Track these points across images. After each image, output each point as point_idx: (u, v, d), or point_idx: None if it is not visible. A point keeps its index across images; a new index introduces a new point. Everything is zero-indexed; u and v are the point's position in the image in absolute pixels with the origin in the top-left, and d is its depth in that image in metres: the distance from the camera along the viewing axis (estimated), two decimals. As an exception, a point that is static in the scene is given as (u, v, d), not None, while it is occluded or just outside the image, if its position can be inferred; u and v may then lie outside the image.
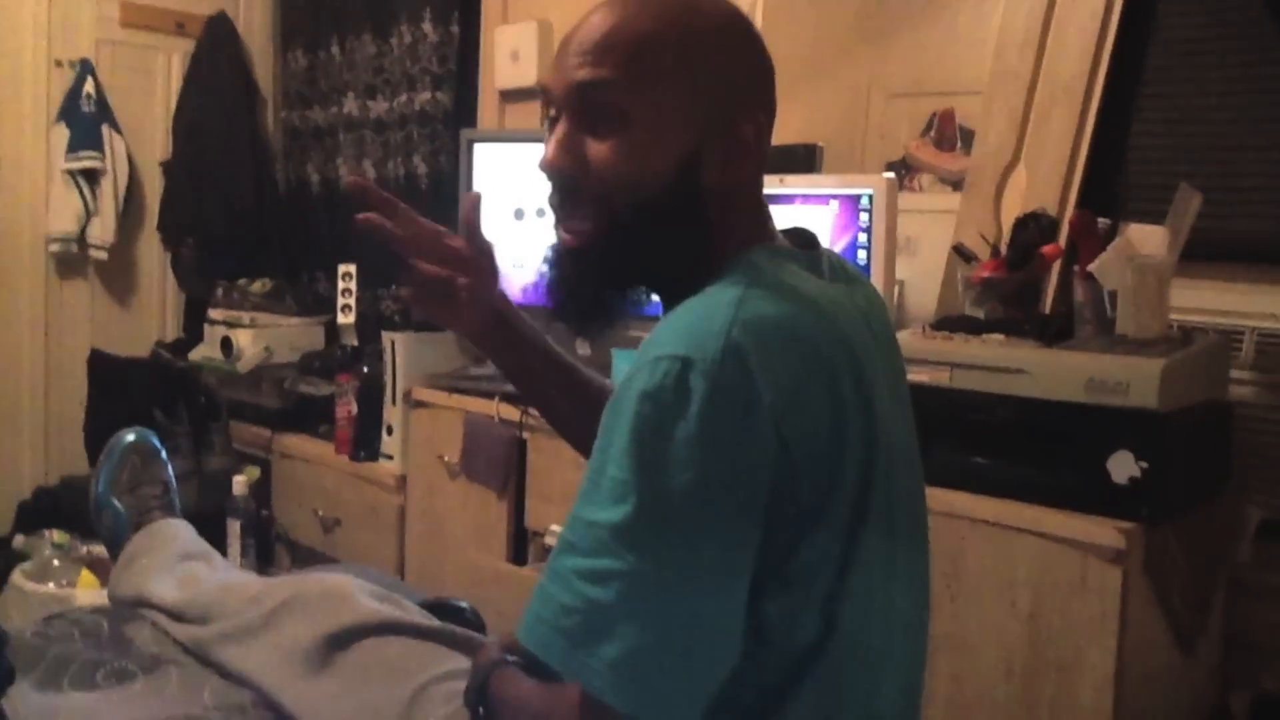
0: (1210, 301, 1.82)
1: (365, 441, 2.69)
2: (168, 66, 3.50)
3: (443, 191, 3.01)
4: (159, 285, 3.54)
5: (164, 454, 1.71)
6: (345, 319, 3.00)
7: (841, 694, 0.85)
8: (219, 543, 2.06)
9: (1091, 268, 1.66)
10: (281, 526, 2.91)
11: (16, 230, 3.22)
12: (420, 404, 2.50)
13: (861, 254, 1.93)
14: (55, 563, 2.48)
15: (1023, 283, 1.81)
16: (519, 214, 2.48)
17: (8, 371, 3.23)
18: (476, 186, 2.55)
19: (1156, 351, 1.53)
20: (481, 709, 1.01)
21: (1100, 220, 1.75)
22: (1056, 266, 1.86)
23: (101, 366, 3.21)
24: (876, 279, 1.90)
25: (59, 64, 3.25)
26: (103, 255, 3.29)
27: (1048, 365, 1.55)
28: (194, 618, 1.44)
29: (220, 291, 3.20)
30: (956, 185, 2.17)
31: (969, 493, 1.58)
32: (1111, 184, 1.95)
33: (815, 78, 2.30)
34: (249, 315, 3.12)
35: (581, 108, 0.88)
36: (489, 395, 2.32)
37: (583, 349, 2.38)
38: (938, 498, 1.53)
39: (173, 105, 3.48)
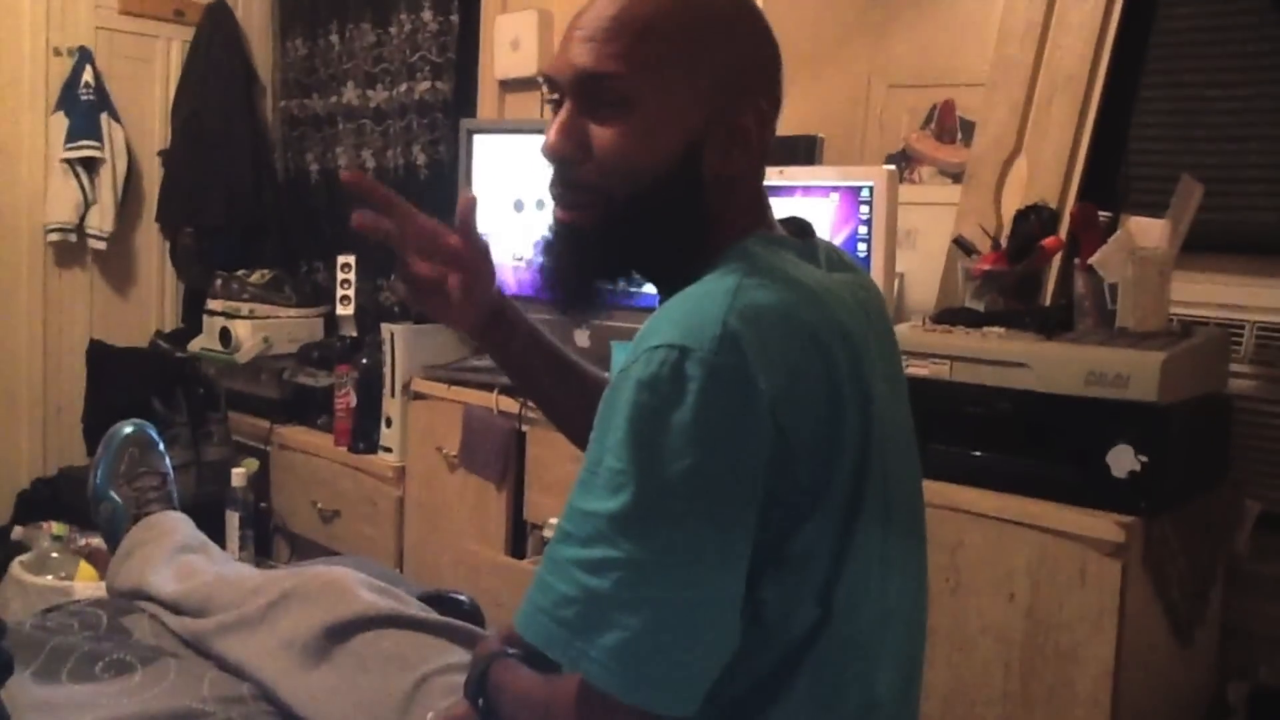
0: (1210, 294, 1.81)
1: (364, 433, 2.69)
2: (167, 54, 3.48)
3: (442, 182, 3.00)
4: (158, 275, 3.53)
5: (162, 446, 1.71)
6: (344, 310, 3.00)
7: (837, 681, 0.85)
8: (217, 534, 2.06)
9: (1092, 260, 1.66)
10: (280, 518, 2.91)
11: (15, 219, 3.22)
12: (419, 396, 2.49)
13: (862, 246, 1.92)
14: (54, 554, 2.48)
15: (1023, 275, 1.81)
16: (518, 205, 2.47)
17: (6, 361, 3.22)
18: (476, 177, 2.55)
19: (1157, 345, 1.53)
20: (481, 700, 1.01)
21: (1101, 213, 1.75)
22: (1057, 259, 1.86)
23: (100, 356, 3.21)
24: (877, 271, 1.90)
25: (57, 52, 3.24)
26: (101, 245, 3.28)
27: (1048, 358, 1.55)
28: (193, 610, 1.44)
29: (219, 282, 3.19)
30: (956, 177, 2.16)
31: (969, 486, 1.58)
32: (1112, 176, 1.95)
33: (816, 69, 2.29)
34: (248, 306, 3.11)
35: (584, 93, 0.88)
36: (488, 387, 2.32)
37: (581, 341, 2.37)
38: (937, 491, 1.53)
39: (172, 93, 3.47)
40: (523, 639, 0.95)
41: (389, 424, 2.61)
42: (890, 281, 1.98)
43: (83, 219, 3.24)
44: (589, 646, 0.77)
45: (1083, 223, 1.74)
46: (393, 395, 2.58)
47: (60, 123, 3.20)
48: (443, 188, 2.94)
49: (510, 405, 2.26)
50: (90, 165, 3.22)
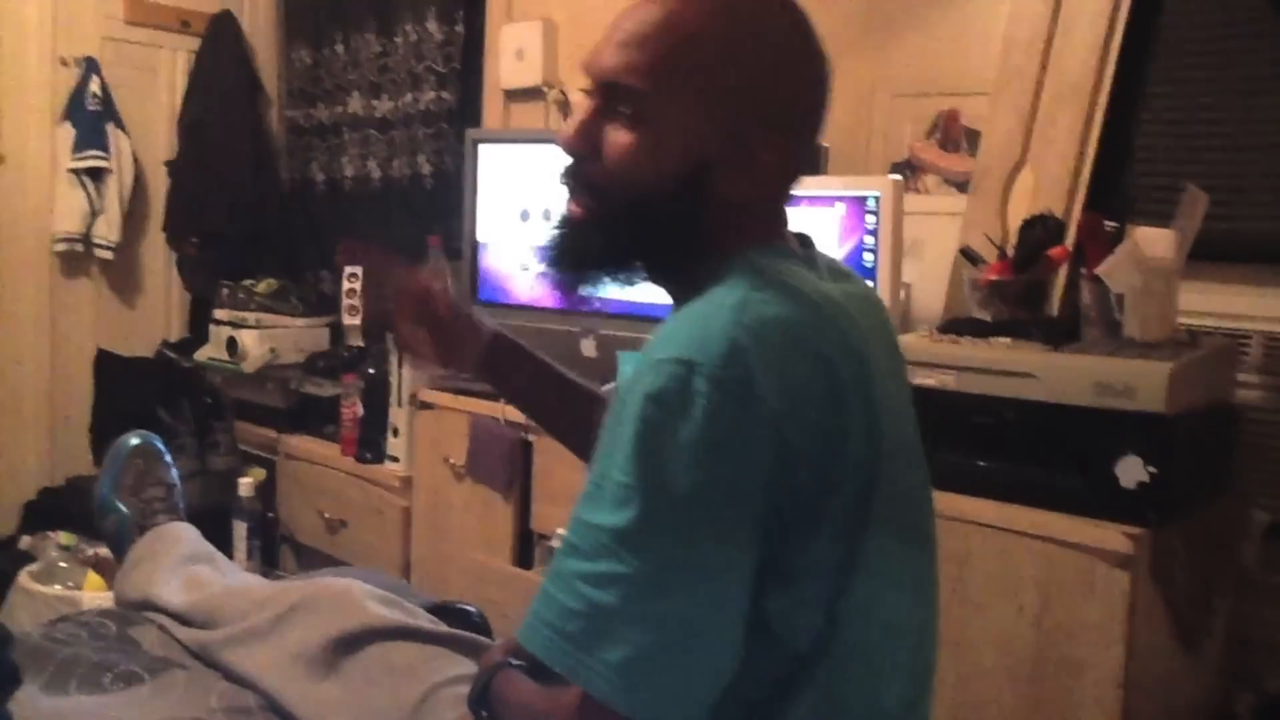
0: (1217, 304, 1.81)
1: (371, 443, 2.69)
2: (172, 64, 3.50)
3: (447, 191, 3.01)
4: (164, 285, 3.54)
5: (168, 456, 1.71)
6: (350, 319, 3.00)
7: (844, 694, 0.85)
8: (223, 543, 2.06)
9: (1099, 270, 1.66)
10: (286, 528, 2.91)
11: (22, 229, 3.22)
12: (426, 405, 2.50)
13: (868, 256, 1.92)
14: (61, 564, 2.48)
15: (1029, 285, 1.80)
16: (524, 215, 2.48)
17: (13, 371, 3.23)
18: (481, 187, 2.55)
19: (1164, 355, 1.53)
20: (485, 712, 1.01)
21: (1107, 222, 1.75)
22: (1063, 269, 1.86)
23: (107, 366, 3.22)
24: (883, 281, 1.90)
25: (64, 62, 3.25)
26: (108, 254, 3.29)
27: (1055, 368, 1.54)
28: (200, 621, 1.45)
29: (225, 291, 3.20)
30: (961, 187, 2.16)
31: (976, 496, 1.58)
32: (1118, 185, 1.95)
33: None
34: (254, 315, 3.12)
35: (606, 96, 0.90)
36: (495, 397, 2.32)
37: (588, 351, 2.38)
38: (944, 501, 1.52)
39: (178, 103, 3.48)
40: (522, 651, 0.96)
41: (395, 434, 2.61)
42: (896, 291, 1.98)
43: (89, 229, 3.25)
44: (593, 661, 0.77)
45: (1089, 233, 1.73)
46: (399, 405, 2.59)
47: (67, 133, 3.21)
48: (448, 197, 2.95)
49: (517, 415, 2.25)
50: (97, 175, 3.23)
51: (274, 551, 2.86)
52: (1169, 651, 1.59)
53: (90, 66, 3.24)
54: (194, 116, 3.44)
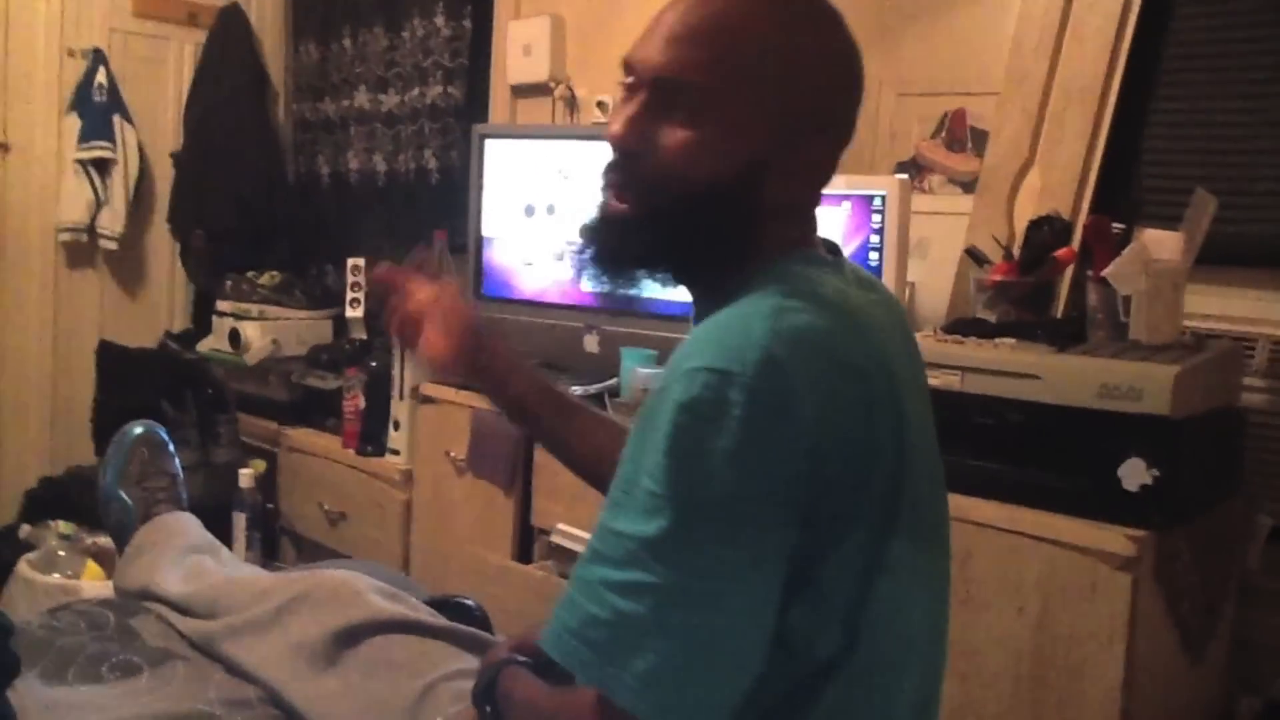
0: (1223, 308, 1.81)
1: (372, 436, 2.69)
2: (180, 57, 3.50)
3: (453, 186, 3.00)
4: (168, 276, 3.54)
5: (172, 447, 1.71)
6: (354, 313, 3.00)
7: (858, 704, 0.84)
8: (224, 535, 2.06)
9: (1106, 272, 1.65)
10: (287, 520, 2.91)
11: (27, 219, 3.23)
12: (428, 399, 2.49)
13: (874, 255, 1.92)
14: (61, 553, 2.48)
15: (1035, 286, 1.80)
16: (529, 210, 2.48)
17: (16, 360, 3.23)
18: (487, 182, 2.55)
19: (1170, 358, 1.52)
20: (489, 708, 1.01)
21: (1115, 225, 1.74)
22: (1069, 271, 1.85)
23: (110, 357, 3.21)
24: (889, 281, 1.89)
25: (71, 53, 3.25)
26: (112, 245, 3.29)
27: (1060, 370, 1.54)
28: (201, 611, 1.44)
29: (229, 283, 3.20)
30: (966, 187, 2.16)
31: (979, 497, 1.57)
32: (1126, 188, 1.94)
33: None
34: (257, 308, 3.11)
35: (659, 92, 0.87)
36: (497, 391, 2.32)
37: (591, 347, 2.37)
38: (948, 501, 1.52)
39: (184, 96, 3.48)
40: (531, 647, 0.96)
41: (397, 427, 2.61)
42: (901, 291, 1.97)
43: (94, 220, 3.25)
44: (619, 670, 0.76)
45: (1096, 234, 1.73)
46: (401, 398, 2.58)
47: (73, 124, 3.21)
48: (454, 192, 2.95)
49: (519, 410, 2.25)
50: (102, 166, 3.24)
51: (274, 543, 2.86)
52: (1171, 655, 1.58)
53: (98, 58, 3.24)
54: (200, 109, 3.44)
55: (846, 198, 1.95)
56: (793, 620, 0.80)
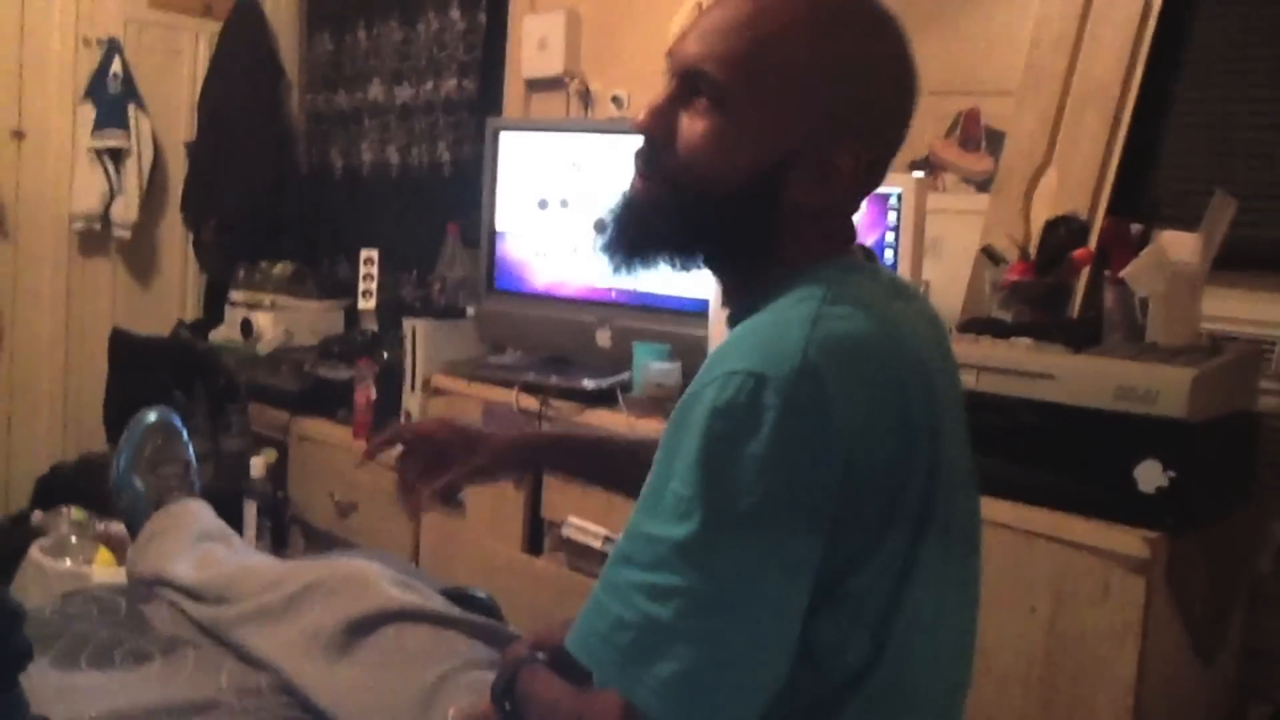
0: (1240, 311, 1.79)
1: (383, 427, 2.68)
2: (194, 47, 3.50)
3: (467, 180, 3.00)
4: (180, 265, 3.55)
5: (185, 434, 1.71)
6: (366, 304, 3.00)
7: (883, 716, 0.83)
8: (234, 524, 2.05)
9: (1124, 274, 1.65)
10: (297, 509, 2.91)
11: (41, 208, 3.24)
12: (439, 391, 2.49)
13: (889, 254, 1.91)
14: (73, 539, 2.49)
15: (1051, 287, 1.79)
16: (543, 204, 2.47)
17: (29, 348, 3.24)
18: (501, 176, 2.54)
19: (1187, 360, 1.51)
20: (508, 704, 1.01)
21: (1133, 226, 1.73)
22: (1085, 271, 1.84)
23: (122, 345, 3.22)
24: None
25: (87, 42, 3.26)
26: (125, 234, 3.30)
27: (1076, 371, 1.53)
28: (213, 598, 1.45)
29: (241, 273, 3.20)
30: (980, 186, 2.15)
31: (992, 497, 1.55)
32: (1144, 189, 1.93)
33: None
34: (269, 297, 3.12)
35: (687, 84, 0.88)
36: (508, 384, 2.32)
37: (603, 341, 2.37)
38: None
39: (198, 86, 3.49)
40: (551, 645, 0.96)
41: (408, 418, 2.61)
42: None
43: (108, 209, 3.26)
44: (643, 674, 0.76)
45: (1114, 236, 1.72)
46: (412, 390, 2.58)
47: (88, 112, 3.22)
48: (467, 186, 2.95)
49: (530, 402, 2.25)
50: (116, 155, 3.24)
51: (284, 533, 2.86)
52: (1183, 660, 1.57)
53: (113, 47, 3.25)
54: (214, 100, 3.44)
55: (862, 195, 1.94)
56: (820, 632, 0.79)
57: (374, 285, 2.99)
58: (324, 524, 2.84)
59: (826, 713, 0.82)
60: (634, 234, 0.91)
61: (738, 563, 0.75)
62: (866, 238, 1.93)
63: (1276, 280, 1.80)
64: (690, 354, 2.11)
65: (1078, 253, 1.78)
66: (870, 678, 0.81)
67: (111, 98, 3.22)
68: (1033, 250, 1.87)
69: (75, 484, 2.95)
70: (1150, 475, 1.46)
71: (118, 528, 2.33)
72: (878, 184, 0.93)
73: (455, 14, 3.10)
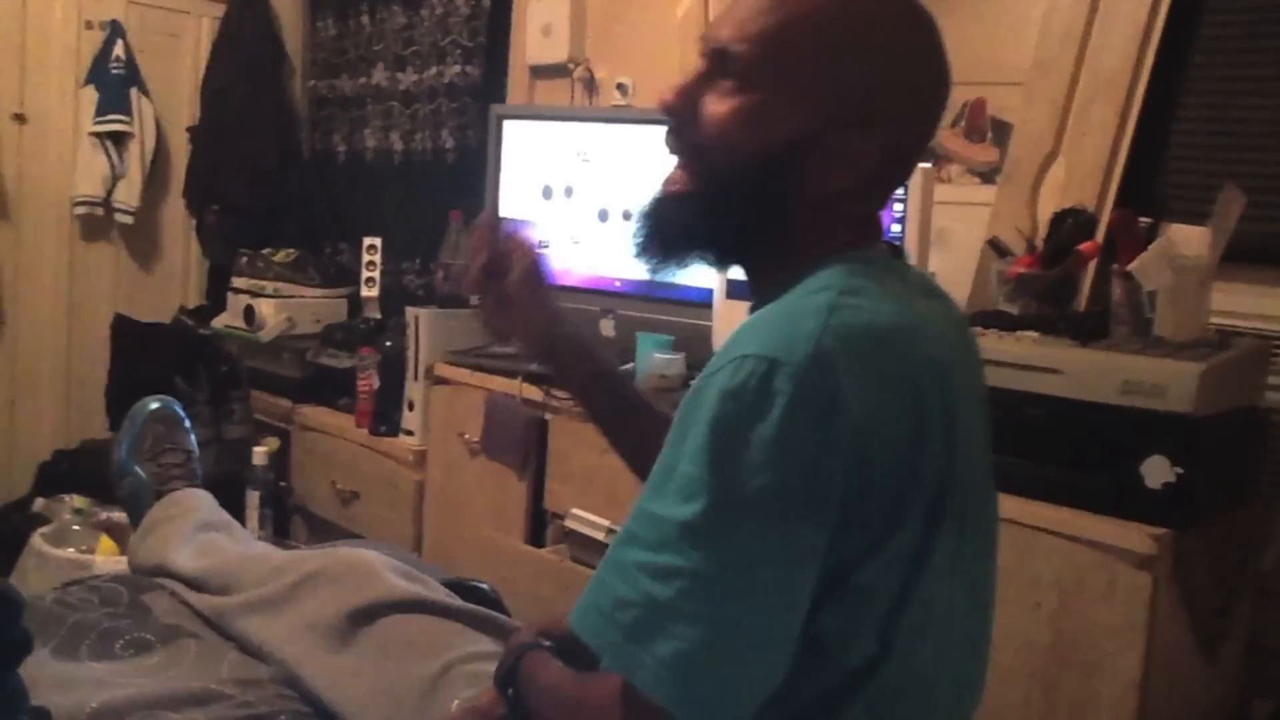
0: (1249, 305, 1.78)
1: (385, 416, 2.68)
2: (197, 31, 3.49)
3: (469, 167, 2.99)
4: (183, 251, 3.54)
5: (187, 422, 1.70)
6: (369, 292, 2.99)
7: (891, 714, 0.83)
8: (236, 512, 2.05)
9: (1131, 267, 1.64)
10: (299, 498, 2.91)
11: (43, 192, 3.22)
12: (442, 380, 2.49)
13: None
14: (75, 527, 2.49)
15: (1058, 280, 1.78)
16: (547, 192, 2.46)
17: (31, 332, 3.24)
18: (505, 163, 2.53)
19: (1194, 355, 1.50)
20: (510, 690, 1.01)
21: (1141, 219, 1.72)
22: (1093, 264, 1.83)
23: (124, 331, 3.21)
24: (909, 271, 1.87)
25: (89, 25, 3.24)
26: (128, 219, 3.29)
27: (1082, 365, 1.52)
28: (215, 588, 1.44)
29: (244, 260, 3.19)
30: (985, 177, 2.14)
31: (997, 491, 1.55)
32: (1152, 182, 1.92)
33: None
34: (272, 284, 3.11)
35: (714, 63, 0.89)
36: (511, 374, 2.31)
37: (607, 331, 2.36)
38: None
39: (201, 70, 3.47)
40: (556, 633, 0.95)
41: (411, 407, 2.60)
42: (922, 281, 1.95)
43: (110, 193, 3.25)
44: (643, 653, 0.75)
45: (1122, 229, 1.71)
46: (415, 379, 2.58)
47: (90, 96, 3.21)
48: (470, 173, 2.93)
49: (534, 393, 2.25)
50: (119, 139, 3.23)
51: (286, 522, 2.86)
52: (1188, 656, 1.57)
53: (115, 30, 3.23)
54: (217, 84, 3.43)
55: (868, 186, 1.93)
56: (828, 623, 0.79)
57: (377, 273, 2.98)
58: (326, 513, 2.84)
59: (833, 706, 0.81)
60: (666, 233, 0.92)
61: (742, 546, 0.75)
62: (872, 229, 1.92)
63: (1283, 275, 1.79)
64: (694, 344, 2.11)
65: (1085, 245, 1.77)
66: (878, 673, 0.81)
67: (114, 81, 3.21)
68: (1040, 243, 1.86)
69: (77, 470, 2.95)
70: (1157, 471, 1.45)
71: (120, 516, 2.32)
72: (904, 178, 0.93)
73: (459, -1, 3.08)
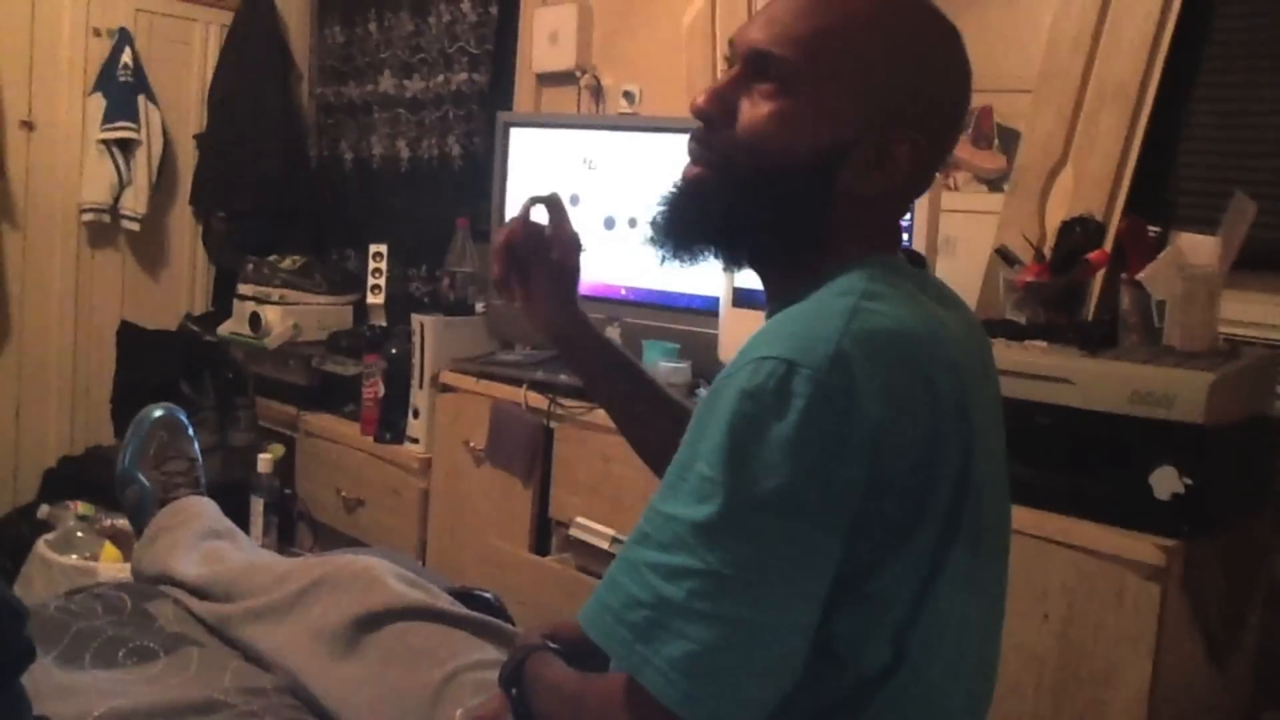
0: (1259, 314, 1.77)
1: (391, 423, 2.68)
2: (205, 38, 3.50)
3: (476, 174, 2.99)
4: (189, 258, 3.55)
5: (191, 430, 1.70)
6: (375, 299, 2.99)
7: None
8: (241, 519, 2.05)
9: (1140, 276, 1.63)
10: (304, 505, 2.91)
11: (50, 198, 3.23)
12: (447, 388, 2.48)
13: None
14: (79, 534, 2.48)
15: (1066, 288, 1.77)
16: (553, 199, 2.45)
17: (37, 339, 3.24)
18: (511, 170, 2.53)
19: (1204, 364, 1.49)
20: (515, 691, 1.00)
21: (1150, 227, 1.71)
22: (1101, 273, 1.82)
23: (130, 337, 3.22)
24: (916, 279, 1.87)
25: (97, 33, 3.25)
26: (135, 226, 3.30)
27: (1091, 374, 1.51)
28: (219, 595, 1.44)
29: (250, 266, 3.19)
30: (992, 184, 2.13)
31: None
32: (1161, 190, 1.91)
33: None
34: (278, 291, 3.11)
35: (751, 68, 0.88)
36: (517, 382, 2.31)
37: (613, 337, 2.35)
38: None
39: (209, 77, 3.48)
40: (563, 636, 0.95)
41: (416, 415, 2.60)
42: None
43: (117, 200, 3.25)
44: (651, 653, 0.75)
45: (1131, 237, 1.70)
46: (421, 386, 2.57)
47: (98, 103, 3.21)
48: (477, 180, 2.93)
49: (539, 401, 2.24)
50: (126, 146, 3.24)
51: (291, 529, 2.86)
52: (1197, 666, 1.56)
53: (123, 37, 3.24)
54: (225, 91, 3.43)
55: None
56: (842, 629, 0.78)
57: (383, 280, 2.98)
58: (331, 520, 2.84)
59: (847, 713, 0.81)
60: (685, 222, 0.91)
61: (755, 547, 0.75)
62: (879, 237, 1.91)
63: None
64: (700, 352, 2.10)
65: (1093, 254, 1.76)
66: (892, 679, 0.80)
67: (121, 88, 3.21)
68: (1048, 251, 1.85)
69: (83, 477, 2.95)
70: (1166, 482, 1.44)
71: (124, 523, 2.32)
72: (927, 186, 0.93)
73: (466, 6, 3.08)
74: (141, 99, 3.25)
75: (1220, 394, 1.43)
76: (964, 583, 0.83)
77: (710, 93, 0.89)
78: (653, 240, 0.93)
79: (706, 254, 0.92)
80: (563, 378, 2.24)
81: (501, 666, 1.04)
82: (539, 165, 2.49)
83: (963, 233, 2.11)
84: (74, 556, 2.39)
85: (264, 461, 2.49)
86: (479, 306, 2.65)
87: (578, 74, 2.83)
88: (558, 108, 2.91)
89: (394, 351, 2.70)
